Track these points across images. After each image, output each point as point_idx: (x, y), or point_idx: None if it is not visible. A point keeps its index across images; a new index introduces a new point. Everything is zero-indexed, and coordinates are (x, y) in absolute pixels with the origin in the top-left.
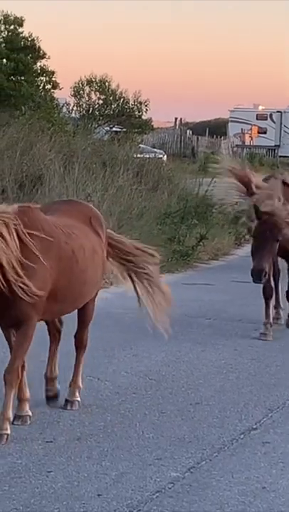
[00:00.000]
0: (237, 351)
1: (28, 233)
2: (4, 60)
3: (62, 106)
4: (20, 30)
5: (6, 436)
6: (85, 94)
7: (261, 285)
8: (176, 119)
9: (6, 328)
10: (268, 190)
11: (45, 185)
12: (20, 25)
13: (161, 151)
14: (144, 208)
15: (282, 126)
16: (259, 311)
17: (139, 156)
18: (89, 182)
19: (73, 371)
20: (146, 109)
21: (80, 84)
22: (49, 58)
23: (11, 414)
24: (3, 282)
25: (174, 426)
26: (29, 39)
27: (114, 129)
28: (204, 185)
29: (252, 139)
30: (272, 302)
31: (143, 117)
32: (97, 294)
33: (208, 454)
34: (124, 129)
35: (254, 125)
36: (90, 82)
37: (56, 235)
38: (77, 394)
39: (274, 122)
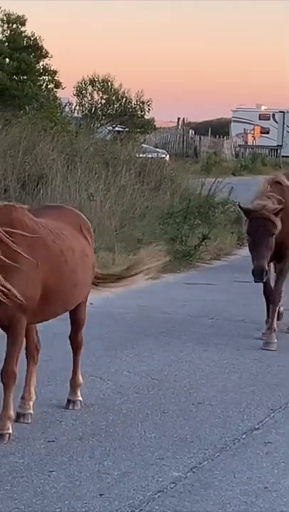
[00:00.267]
0: (239, 351)
1: (9, 232)
2: (7, 60)
3: (65, 105)
4: (22, 29)
5: (8, 435)
6: (88, 94)
7: (262, 284)
8: (178, 118)
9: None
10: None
11: (47, 185)
12: (23, 24)
13: (164, 151)
14: (147, 207)
15: (285, 126)
16: (261, 311)
17: (141, 155)
18: (91, 182)
19: (72, 370)
20: (149, 109)
21: (83, 84)
22: (52, 57)
23: (12, 414)
24: None
25: (176, 426)
26: (32, 38)
27: (116, 128)
28: (207, 185)
29: (254, 138)
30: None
31: (145, 117)
32: (87, 296)
33: (210, 453)
34: (127, 129)
35: (257, 125)
36: (92, 82)
37: (43, 234)
38: (78, 393)
39: (276, 122)
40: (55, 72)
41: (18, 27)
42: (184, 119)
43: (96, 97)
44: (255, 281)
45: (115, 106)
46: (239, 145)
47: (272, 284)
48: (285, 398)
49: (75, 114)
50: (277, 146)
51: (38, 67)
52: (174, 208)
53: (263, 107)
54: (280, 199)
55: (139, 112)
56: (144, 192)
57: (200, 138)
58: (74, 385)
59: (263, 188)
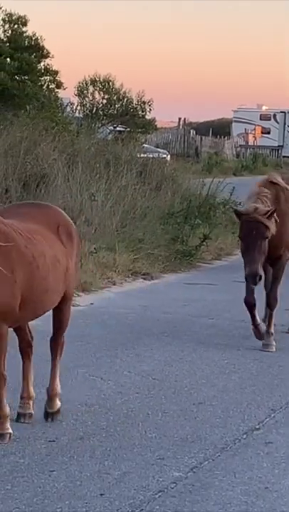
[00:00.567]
0: (240, 351)
1: None
2: (8, 60)
3: (66, 105)
4: (24, 29)
5: (8, 435)
6: (89, 94)
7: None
8: (179, 119)
9: None
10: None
11: (48, 185)
12: (24, 24)
13: (165, 151)
14: (148, 207)
15: (286, 126)
16: (262, 311)
17: (142, 155)
18: (92, 181)
19: (50, 379)
20: (150, 109)
21: (84, 84)
22: (53, 57)
23: (6, 412)
24: None
25: (177, 426)
26: (33, 38)
27: (117, 128)
28: (208, 185)
29: (255, 139)
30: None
31: (147, 117)
32: (71, 302)
33: (211, 454)
34: (128, 129)
35: (258, 125)
36: (93, 82)
37: (15, 239)
38: (57, 401)
39: (277, 122)
40: (56, 73)
41: (19, 27)
42: (185, 119)
43: (97, 97)
44: (250, 285)
45: (116, 106)
46: (240, 145)
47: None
48: (286, 398)
49: (77, 114)
50: (278, 146)
51: (39, 68)
52: (175, 208)
53: (264, 107)
54: (273, 200)
55: (140, 112)
56: (145, 192)
57: (201, 138)
58: (51, 393)
59: (256, 188)
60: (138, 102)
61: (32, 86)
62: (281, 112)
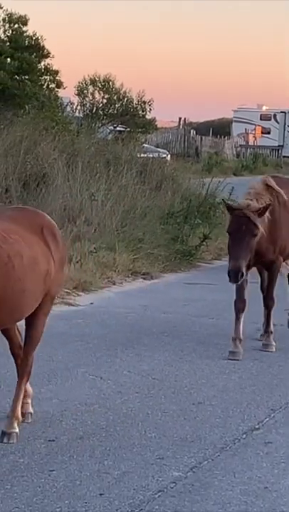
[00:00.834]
0: None
1: None
2: (8, 59)
3: (66, 105)
4: (24, 29)
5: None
6: (89, 94)
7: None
8: (180, 118)
9: None
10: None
11: (48, 185)
12: (25, 24)
13: (165, 151)
14: (148, 207)
15: (286, 126)
16: (261, 311)
17: (142, 155)
18: (92, 181)
19: (13, 398)
20: (150, 109)
21: (84, 84)
22: (53, 57)
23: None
24: None
25: (177, 425)
26: (33, 38)
27: (117, 128)
28: (208, 185)
29: (256, 139)
30: (243, 317)
31: (147, 117)
32: (50, 309)
33: (211, 453)
34: (128, 129)
35: (258, 125)
36: (93, 82)
37: None
38: (15, 425)
39: (278, 122)
40: (56, 72)
41: (19, 27)
42: (185, 119)
43: (97, 96)
44: (231, 283)
45: (116, 106)
46: (240, 145)
47: (245, 295)
48: (286, 398)
49: (77, 114)
50: (279, 146)
51: (39, 67)
52: (175, 208)
53: (264, 107)
54: (268, 200)
55: (140, 112)
56: (145, 192)
57: (201, 138)
58: (12, 415)
59: (252, 188)
60: (138, 101)
61: (32, 86)
62: (281, 112)
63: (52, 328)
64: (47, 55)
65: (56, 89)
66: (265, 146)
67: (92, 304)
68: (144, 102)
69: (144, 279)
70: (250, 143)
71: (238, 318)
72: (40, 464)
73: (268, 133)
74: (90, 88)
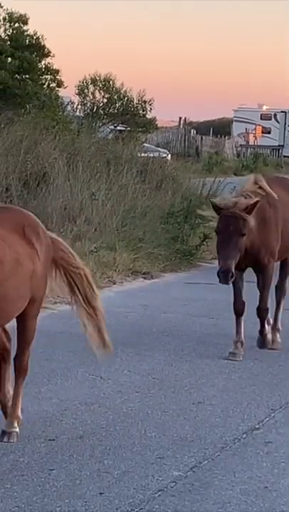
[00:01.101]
0: None
1: None
2: (9, 59)
3: (67, 104)
4: (25, 28)
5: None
6: (90, 93)
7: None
8: (180, 118)
9: None
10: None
11: (49, 184)
12: (25, 23)
13: (165, 150)
14: (148, 207)
15: (287, 126)
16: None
17: (143, 155)
18: (93, 181)
19: (12, 399)
20: (151, 108)
21: (85, 83)
22: (54, 56)
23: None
24: None
25: (177, 425)
26: (34, 37)
27: (118, 127)
28: (208, 185)
29: (256, 138)
30: (244, 319)
31: (147, 116)
32: (38, 310)
33: (211, 453)
34: (129, 128)
35: (258, 125)
36: (94, 81)
37: None
38: (15, 424)
39: (278, 122)
40: (57, 71)
41: (20, 26)
42: (185, 118)
43: (98, 96)
44: (221, 283)
45: (117, 105)
46: (241, 145)
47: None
48: (286, 398)
49: (77, 113)
50: (279, 146)
51: (40, 66)
52: (176, 208)
53: (264, 107)
54: (257, 199)
55: (140, 111)
56: (146, 191)
57: (201, 137)
58: (12, 415)
59: (242, 187)
60: (139, 101)
61: (33, 85)
62: (282, 111)
63: (52, 328)
64: (47, 54)
65: (57, 89)
66: (266, 145)
67: None
68: (145, 102)
69: (145, 278)
70: (251, 142)
71: (238, 323)
72: (41, 463)
73: (269, 133)
74: (91, 87)
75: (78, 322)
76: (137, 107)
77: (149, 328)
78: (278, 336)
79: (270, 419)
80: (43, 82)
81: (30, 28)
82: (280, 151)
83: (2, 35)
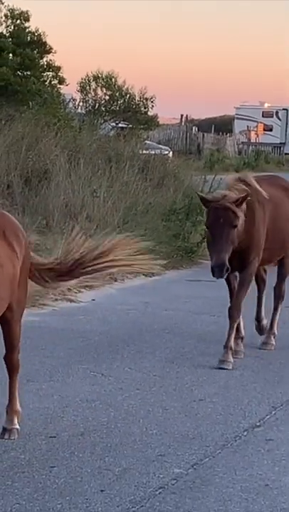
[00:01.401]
0: None
1: None
2: (10, 55)
3: (69, 101)
4: (26, 24)
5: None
6: (91, 90)
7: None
8: (182, 115)
9: None
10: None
11: (50, 181)
12: (27, 19)
13: (167, 148)
14: (150, 204)
15: (288, 123)
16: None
17: (144, 152)
18: (94, 178)
19: (9, 395)
20: (152, 106)
21: (87, 80)
22: (55, 53)
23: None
24: None
25: (178, 422)
26: (35, 34)
27: (120, 125)
28: (210, 182)
29: (258, 136)
30: (241, 324)
31: (149, 113)
32: (21, 315)
33: (212, 450)
34: (130, 125)
35: (260, 122)
36: (96, 78)
37: None
38: (15, 421)
39: (280, 120)
40: (58, 68)
41: (21, 22)
42: (187, 116)
43: (100, 93)
44: (215, 277)
45: (119, 102)
46: (242, 142)
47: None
48: (287, 395)
49: (79, 110)
50: (281, 143)
51: (41, 63)
52: (177, 205)
53: (266, 105)
54: (246, 192)
55: (142, 109)
56: (147, 188)
57: (203, 135)
58: (10, 412)
59: (230, 182)
60: (140, 98)
61: (34, 82)
62: (283, 109)
63: (53, 325)
64: (49, 51)
65: (58, 86)
66: (267, 143)
67: (93, 300)
68: (146, 99)
69: (146, 275)
70: (252, 140)
71: (231, 328)
72: (41, 460)
73: (270, 130)
74: (93, 84)
75: (80, 319)
76: (138, 104)
77: (150, 325)
78: (273, 339)
79: (271, 416)
80: (45, 79)
81: (31, 25)
82: (282, 148)
83: (4, 32)
